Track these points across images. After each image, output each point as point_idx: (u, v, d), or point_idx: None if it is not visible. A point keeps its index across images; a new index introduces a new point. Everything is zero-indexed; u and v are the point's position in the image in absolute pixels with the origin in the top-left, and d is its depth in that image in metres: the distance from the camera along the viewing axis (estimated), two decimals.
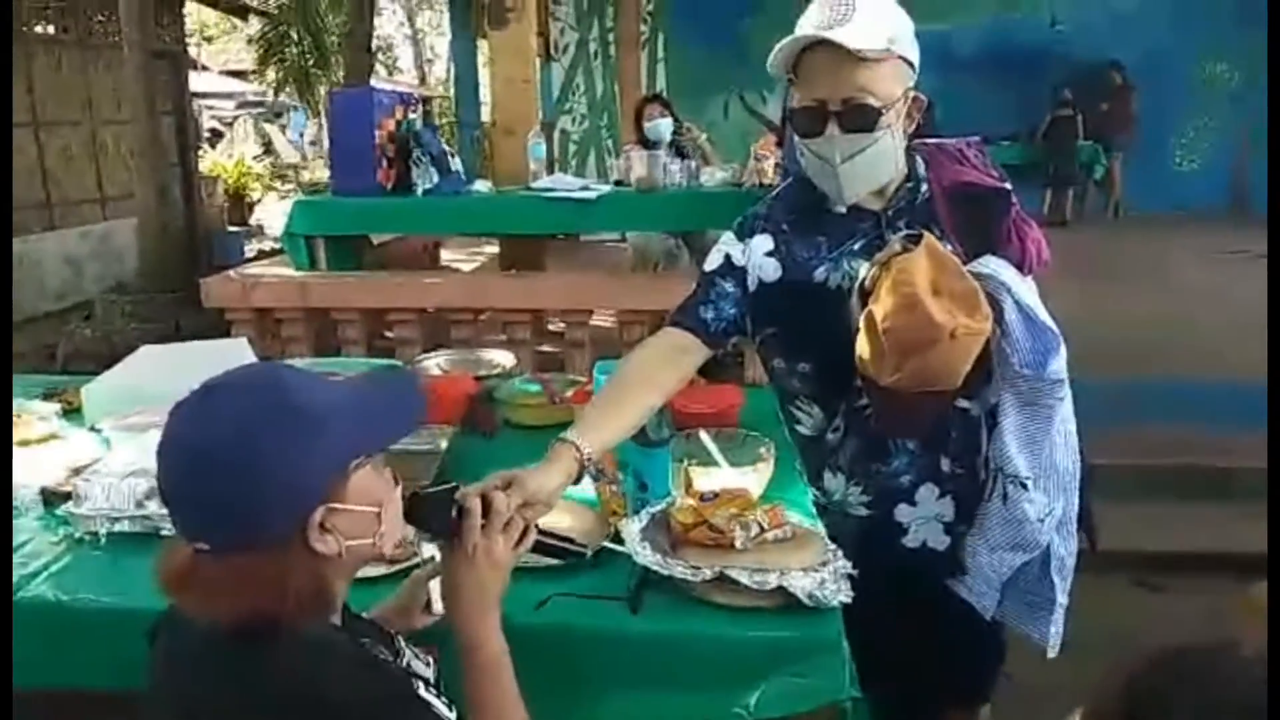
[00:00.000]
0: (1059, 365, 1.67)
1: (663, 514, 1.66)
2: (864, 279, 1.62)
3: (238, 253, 10.59)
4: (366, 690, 1.07)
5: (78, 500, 1.76)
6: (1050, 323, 1.65)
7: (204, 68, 21.29)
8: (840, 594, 1.48)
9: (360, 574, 1.27)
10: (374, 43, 13.01)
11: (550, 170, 5.03)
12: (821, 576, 1.49)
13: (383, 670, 1.15)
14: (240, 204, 14.85)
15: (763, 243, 1.80)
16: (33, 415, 2.27)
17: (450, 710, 1.16)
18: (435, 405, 2.08)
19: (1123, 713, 0.79)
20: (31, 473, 1.96)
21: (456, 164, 4.78)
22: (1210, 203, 10.64)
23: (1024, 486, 1.72)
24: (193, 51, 16.25)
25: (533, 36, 5.30)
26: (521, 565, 1.36)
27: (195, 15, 16.72)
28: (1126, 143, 10.80)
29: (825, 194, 1.76)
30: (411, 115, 4.72)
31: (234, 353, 2.67)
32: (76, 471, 1.90)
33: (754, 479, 1.83)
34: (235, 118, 21.60)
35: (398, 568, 1.54)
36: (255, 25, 16.81)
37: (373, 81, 11.03)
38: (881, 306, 1.54)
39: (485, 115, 10.61)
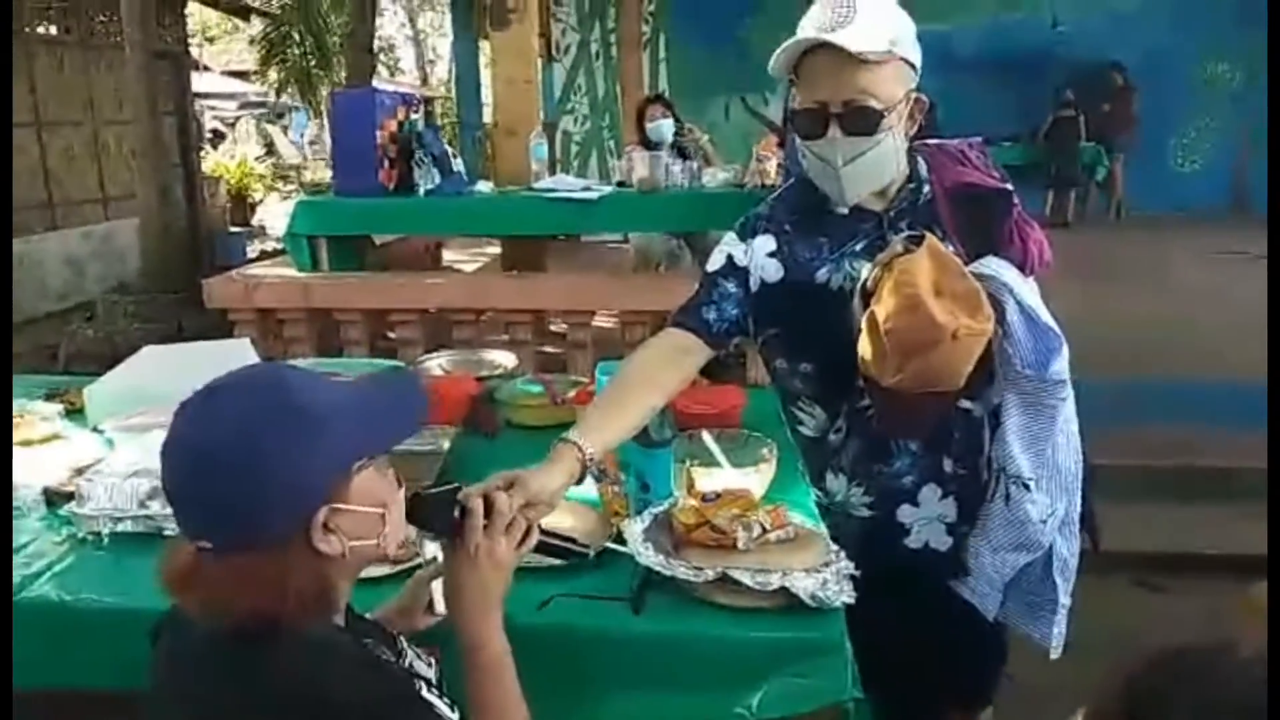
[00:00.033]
0: (1061, 366, 1.67)
1: (665, 514, 1.66)
2: (866, 280, 1.62)
3: (240, 253, 10.59)
4: (369, 691, 1.07)
5: (80, 500, 1.77)
6: (1052, 323, 1.65)
7: (206, 68, 21.30)
8: (843, 595, 1.48)
9: (363, 574, 1.27)
10: (376, 43, 13.03)
11: (552, 171, 5.02)
12: (824, 577, 1.49)
13: (385, 671, 1.15)
14: (242, 204, 14.86)
15: (765, 243, 1.80)
16: (35, 416, 2.27)
17: (452, 711, 1.16)
18: (437, 406, 2.08)
19: (1123, 713, 0.79)
20: (34, 473, 1.96)
21: (458, 165, 4.79)
22: (1211, 203, 10.64)
23: (1027, 487, 1.72)
24: (195, 52, 16.22)
25: (534, 37, 5.31)
26: (523, 565, 1.36)
27: (197, 16, 16.73)
28: (1128, 143, 10.80)
29: (827, 195, 1.76)
30: (413, 116, 4.73)
31: (236, 353, 2.68)
32: (79, 472, 1.90)
33: (756, 479, 1.83)
34: (237, 118, 21.63)
35: (400, 568, 1.54)
36: (257, 26, 16.84)
37: (375, 82, 11.03)
38: (883, 307, 1.54)
39: (487, 116, 10.60)
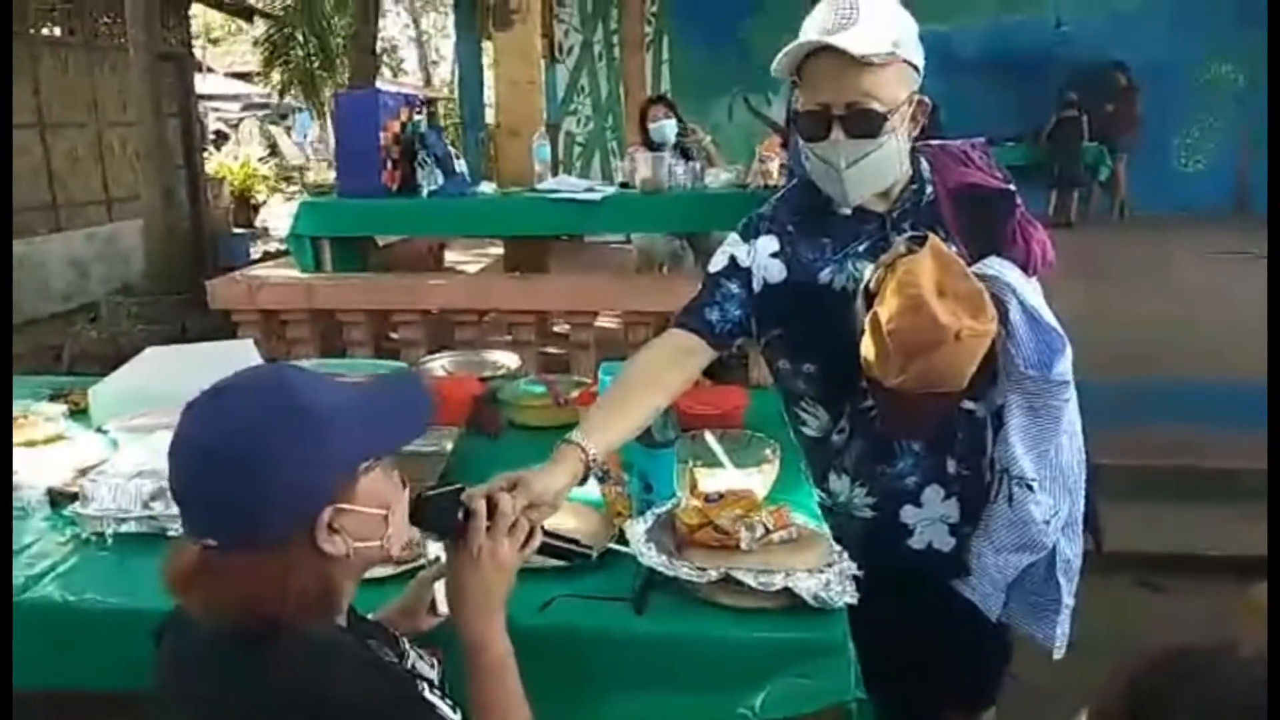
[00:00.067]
0: (1064, 366, 1.67)
1: (668, 515, 1.66)
2: (869, 281, 1.62)
3: (243, 254, 10.61)
4: (371, 692, 1.07)
5: (84, 501, 1.77)
6: (1055, 324, 1.65)
7: (210, 70, 21.35)
8: (845, 595, 1.48)
9: (366, 575, 1.28)
10: (379, 45, 13.05)
11: (555, 172, 5.02)
12: (827, 578, 1.49)
13: (387, 672, 1.15)
14: (246, 206, 14.88)
15: (768, 244, 1.80)
16: (39, 416, 2.28)
17: (455, 712, 1.16)
18: (440, 406, 2.07)
19: (1125, 713, 0.79)
20: (38, 473, 1.97)
21: (461, 165, 4.79)
22: (1214, 203, 10.62)
23: (1030, 488, 1.72)
24: (198, 54, 16.28)
25: (537, 38, 5.30)
26: (526, 566, 1.36)
27: (201, 17, 16.77)
28: (1131, 144, 10.78)
29: (830, 196, 1.76)
30: (416, 117, 4.73)
31: (240, 354, 2.69)
32: (83, 472, 1.91)
33: (759, 480, 1.83)
34: (241, 119, 21.68)
35: (403, 569, 1.55)
36: (261, 27, 16.85)
37: (378, 83, 11.06)
38: (886, 308, 1.54)
39: (490, 117, 10.61)
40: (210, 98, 18.72)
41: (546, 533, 1.40)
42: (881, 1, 1.61)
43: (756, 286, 1.79)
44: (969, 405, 1.74)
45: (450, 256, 7.35)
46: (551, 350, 4.80)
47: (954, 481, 1.81)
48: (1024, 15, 10.93)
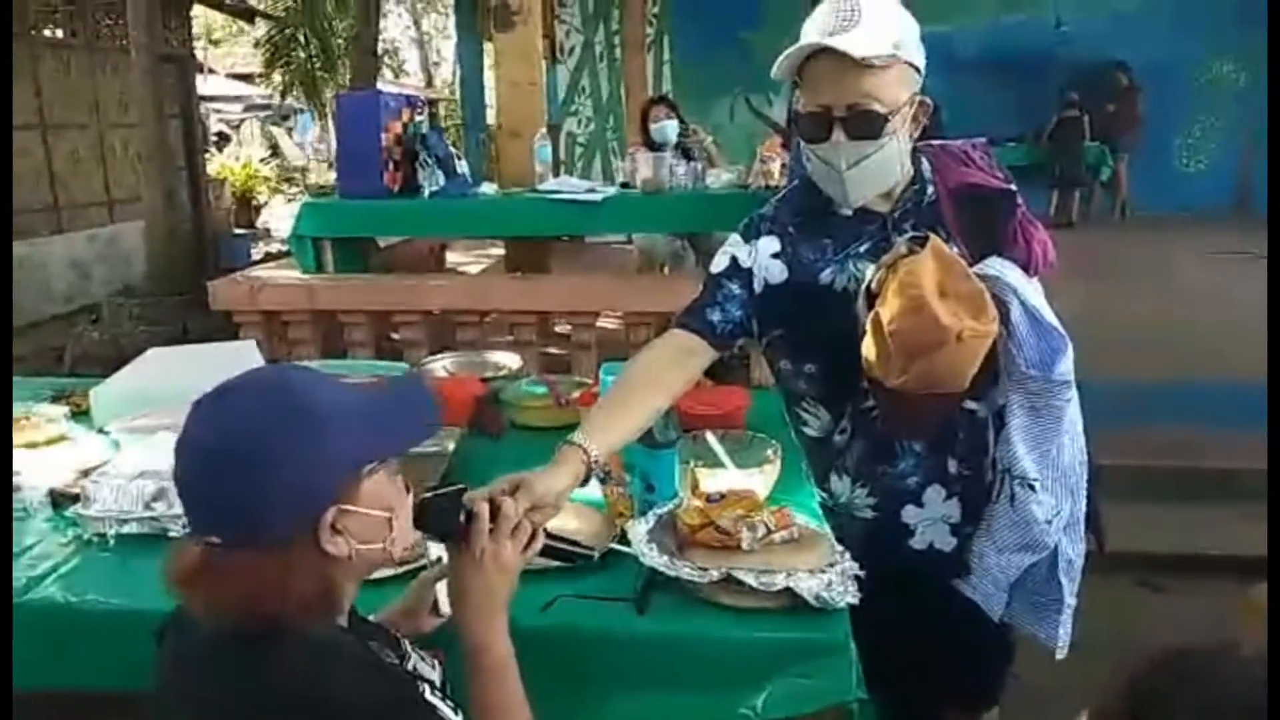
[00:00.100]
0: (1066, 366, 1.67)
1: (669, 515, 1.66)
2: (870, 281, 1.62)
3: (245, 255, 10.62)
4: (372, 693, 1.07)
5: (86, 502, 1.77)
6: (1057, 324, 1.65)
7: (211, 71, 21.37)
8: (847, 595, 1.48)
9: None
10: (380, 46, 13.04)
11: (556, 172, 5.02)
12: (828, 578, 1.49)
13: (388, 673, 1.15)
14: (247, 207, 14.88)
15: (769, 245, 1.80)
16: (41, 417, 2.28)
17: (456, 714, 1.16)
18: (441, 407, 2.08)
19: (1126, 713, 0.79)
20: (40, 474, 1.97)
21: (462, 166, 4.79)
22: (1216, 203, 10.62)
23: (1032, 488, 1.72)
24: (200, 55, 16.30)
25: (538, 39, 5.29)
26: (528, 567, 1.36)
27: (202, 19, 16.78)
28: (1132, 143, 10.78)
29: (831, 197, 1.76)
30: (418, 118, 4.74)
31: (241, 355, 2.69)
32: (85, 473, 1.91)
33: (760, 480, 1.83)
34: (242, 121, 21.68)
35: (405, 569, 1.55)
36: (262, 29, 16.85)
37: (379, 85, 11.06)
38: (888, 309, 1.54)
39: (491, 118, 10.63)
40: (212, 99, 18.73)
41: (549, 535, 1.40)
42: (883, 3, 1.61)
43: (758, 287, 1.79)
44: (970, 405, 1.74)
45: (451, 257, 7.35)
46: (553, 351, 4.81)
47: (955, 481, 1.81)
48: (1025, 15, 10.93)
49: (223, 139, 19.60)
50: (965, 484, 1.81)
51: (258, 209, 15.45)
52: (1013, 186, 1.80)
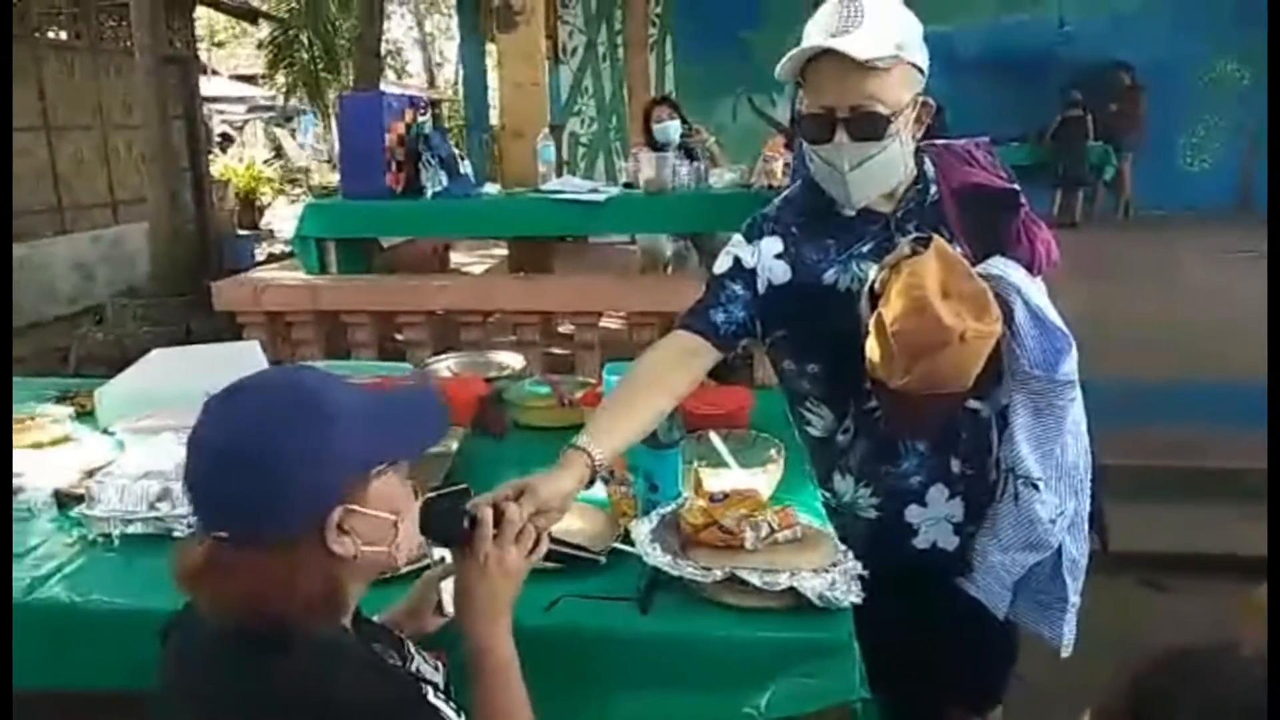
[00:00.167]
0: (1070, 366, 1.66)
1: (673, 515, 1.66)
2: (873, 282, 1.62)
3: (248, 256, 10.62)
4: (374, 693, 1.08)
5: (91, 502, 1.78)
6: (1060, 324, 1.65)
7: (214, 72, 21.39)
8: (850, 595, 1.48)
9: None
10: (383, 47, 13.04)
11: (559, 173, 5.02)
12: (832, 577, 1.49)
13: (391, 674, 1.16)
14: (251, 208, 14.90)
15: (772, 245, 1.80)
16: (46, 418, 2.29)
17: (458, 716, 1.17)
18: (448, 411, 2.08)
19: (1128, 712, 0.79)
20: (45, 475, 1.98)
21: (465, 167, 4.80)
22: (1219, 202, 10.60)
23: (1036, 487, 1.72)
24: (203, 56, 16.32)
25: (541, 39, 5.30)
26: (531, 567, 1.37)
27: (205, 20, 16.80)
28: (1136, 143, 10.77)
29: (834, 197, 1.76)
30: (421, 119, 4.74)
31: (245, 356, 2.69)
32: (90, 474, 1.91)
33: (764, 480, 1.83)
34: (245, 122, 21.71)
35: (410, 568, 1.55)
36: (265, 30, 16.87)
37: (382, 85, 11.06)
38: (891, 310, 1.54)
39: (494, 118, 10.64)
40: (215, 100, 18.74)
41: (553, 539, 1.41)
42: (885, 3, 1.61)
43: (761, 288, 1.79)
44: (974, 405, 1.74)
45: (455, 258, 7.36)
46: (556, 351, 4.82)
47: (959, 481, 1.81)
48: (1027, 15, 10.93)
49: (226, 140, 19.63)
50: (968, 483, 1.81)
51: (261, 210, 15.47)
52: (1016, 186, 1.80)
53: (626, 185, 4.98)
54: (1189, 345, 5.44)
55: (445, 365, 2.85)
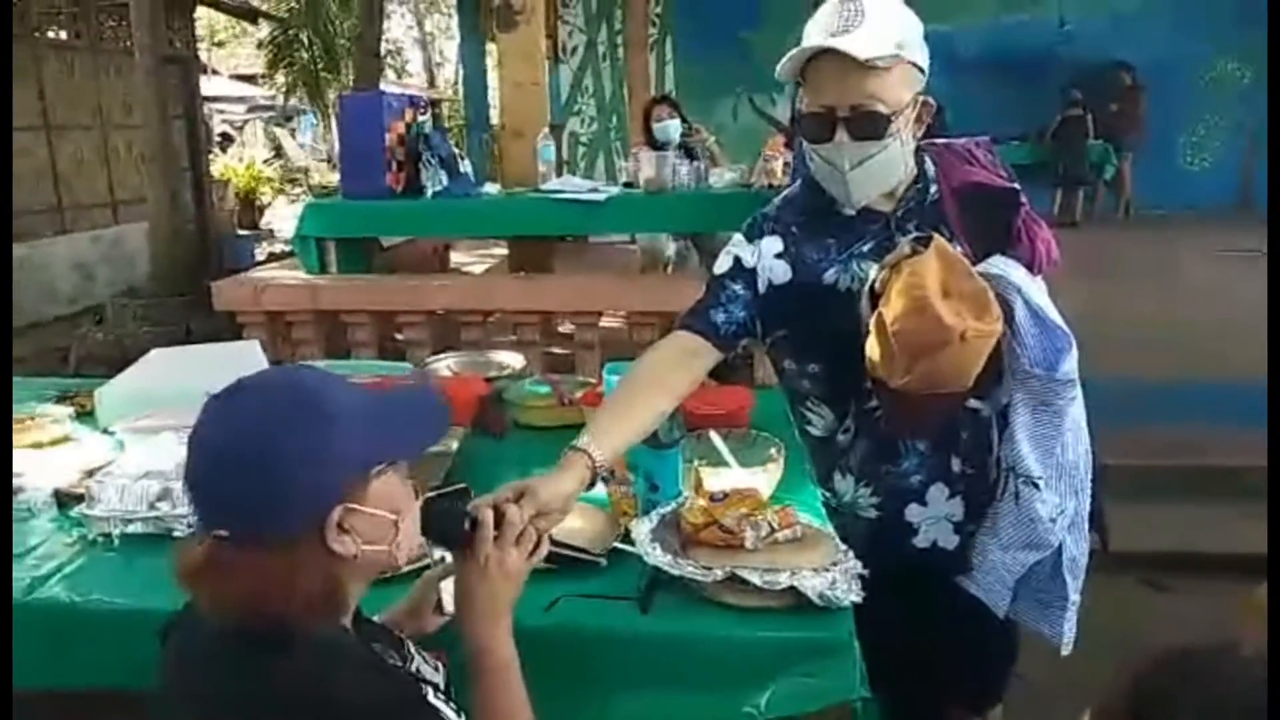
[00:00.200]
0: (1070, 365, 1.66)
1: (673, 514, 1.66)
2: (874, 281, 1.62)
3: (248, 256, 10.62)
4: (374, 694, 1.08)
5: (91, 502, 1.77)
6: (1060, 323, 1.65)
7: (214, 72, 21.39)
8: (851, 594, 1.48)
9: None
10: (383, 46, 13.05)
11: (559, 172, 5.02)
12: (832, 576, 1.49)
13: (391, 674, 1.16)
14: (251, 208, 14.91)
15: (772, 245, 1.80)
16: (46, 418, 2.29)
17: (459, 716, 1.17)
18: (448, 410, 2.08)
19: (1128, 712, 0.79)
20: (45, 475, 1.98)
21: (466, 166, 4.80)
22: (1220, 201, 10.60)
23: (1036, 486, 1.71)
24: (203, 56, 16.31)
25: (541, 39, 5.30)
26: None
27: (205, 20, 16.80)
28: (1136, 142, 10.78)
29: (834, 197, 1.76)
30: (421, 118, 4.74)
31: (245, 355, 2.70)
32: (90, 473, 1.91)
33: (764, 479, 1.83)
34: (245, 122, 21.72)
35: (410, 568, 1.55)
36: (265, 29, 16.87)
37: (382, 85, 11.07)
38: (891, 309, 1.53)
39: (494, 118, 10.64)
40: (215, 100, 18.74)
41: (554, 541, 1.41)
42: (886, 3, 1.61)
43: (761, 287, 1.79)
44: (974, 404, 1.74)
45: (455, 257, 7.36)
46: (556, 350, 4.82)
47: (959, 480, 1.81)
48: (1027, 15, 10.93)
49: (226, 140, 19.64)
50: (969, 482, 1.81)
51: (261, 210, 15.47)
52: (1016, 185, 1.80)
53: (626, 185, 4.98)
54: (1189, 344, 5.44)
55: (445, 365, 2.85)
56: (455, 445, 2.10)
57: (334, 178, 12.45)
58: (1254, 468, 4.08)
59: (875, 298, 1.60)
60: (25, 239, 8.57)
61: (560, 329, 4.89)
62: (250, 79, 22.70)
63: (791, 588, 1.46)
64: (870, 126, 1.62)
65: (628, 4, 10.02)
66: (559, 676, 1.39)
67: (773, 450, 1.92)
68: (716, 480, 1.78)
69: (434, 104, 5.58)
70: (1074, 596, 1.81)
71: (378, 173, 4.51)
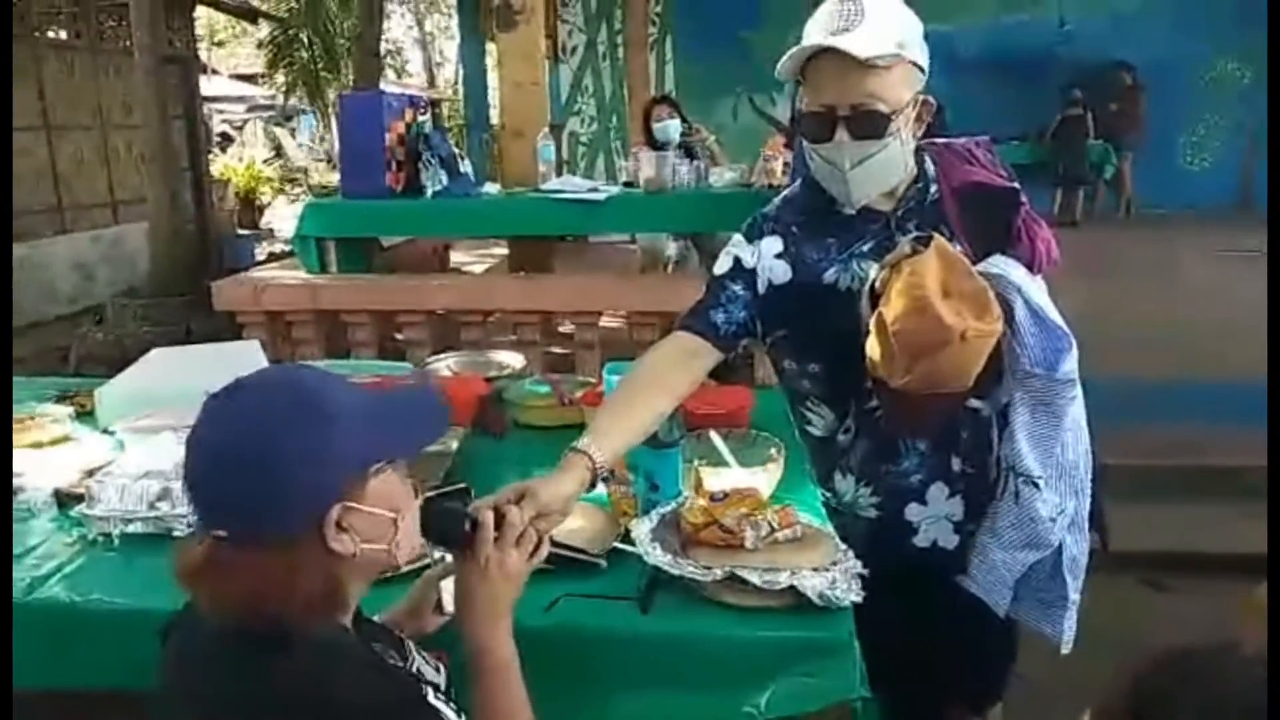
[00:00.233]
0: (1070, 365, 1.66)
1: (673, 514, 1.66)
2: (874, 281, 1.62)
3: (248, 256, 10.62)
4: (374, 694, 1.08)
5: (91, 502, 1.77)
6: (1061, 322, 1.65)
7: (214, 72, 21.39)
8: (851, 594, 1.48)
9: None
10: (383, 46, 13.06)
11: (559, 172, 5.03)
12: (832, 576, 1.49)
13: (392, 674, 1.16)
14: (250, 207, 14.91)
15: (772, 245, 1.80)
16: (46, 418, 2.29)
17: (459, 716, 1.17)
18: (447, 409, 2.08)
19: (1128, 712, 0.79)
20: (45, 475, 1.98)
21: (465, 166, 4.80)
22: (1220, 201, 10.60)
23: (1036, 486, 1.71)
24: (203, 56, 16.31)
25: (541, 39, 5.31)
26: None
27: (205, 19, 16.80)
28: (1136, 142, 10.78)
29: (834, 196, 1.76)
30: (421, 118, 4.74)
31: (245, 355, 2.70)
32: (90, 473, 1.91)
33: (764, 479, 1.83)
34: (245, 121, 21.70)
35: (410, 568, 1.55)
36: (265, 29, 16.87)
37: (382, 85, 11.07)
38: (892, 309, 1.53)
39: (494, 118, 10.64)
40: (215, 100, 18.73)
41: (554, 542, 1.41)
42: (886, 2, 1.61)
43: (761, 288, 1.79)
44: (974, 403, 1.74)
45: (455, 257, 7.36)
46: (556, 350, 4.82)
47: (959, 479, 1.81)
48: (1027, 15, 10.94)
49: (226, 140, 19.63)
50: (969, 482, 1.81)
51: (261, 210, 15.48)
52: (1016, 185, 1.80)
53: (626, 184, 4.98)
54: (1189, 344, 5.44)
55: (445, 365, 2.85)
56: (455, 445, 2.10)
57: (334, 178, 12.46)
58: (1254, 467, 4.08)
59: (875, 297, 1.60)
60: (25, 239, 8.57)
61: (560, 329, 4.89)
62: (250, 79, 22.70)
63: (791, 587, 1.46)
64: (870, 125, 1.62)
65: (628, 4, 10.02)
66: (559, 676, 1.39)
67: (773, 450, 1.92)
68: (716, 480, 1.78)
69: (434, 104, 5.58)
70: (1074, 596, 1.81)
71: (377, 172, 4.52)
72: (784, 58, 1.63)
